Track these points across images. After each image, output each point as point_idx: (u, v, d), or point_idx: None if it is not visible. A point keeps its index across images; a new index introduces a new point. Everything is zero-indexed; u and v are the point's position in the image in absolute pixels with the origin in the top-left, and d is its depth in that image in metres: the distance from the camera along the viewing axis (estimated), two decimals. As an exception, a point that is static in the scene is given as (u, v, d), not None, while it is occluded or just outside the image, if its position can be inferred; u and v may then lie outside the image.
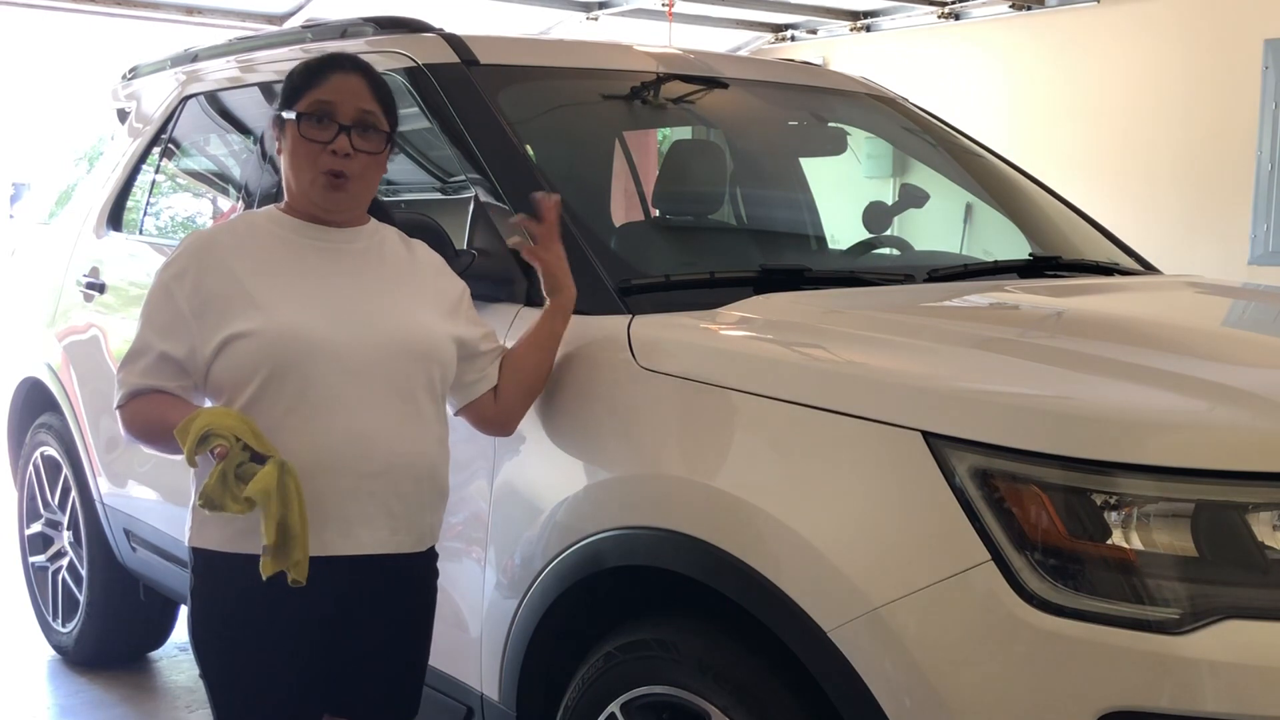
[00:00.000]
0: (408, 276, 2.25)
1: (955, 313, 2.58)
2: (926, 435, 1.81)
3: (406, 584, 2.25)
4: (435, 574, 2.32)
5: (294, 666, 2.18)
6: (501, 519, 2.42)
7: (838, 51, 9.88)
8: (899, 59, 9.37)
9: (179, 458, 2.01)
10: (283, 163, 2.19)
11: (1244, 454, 1.71)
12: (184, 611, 4.24)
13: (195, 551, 2.18)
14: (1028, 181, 3.55)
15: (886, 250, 3.39)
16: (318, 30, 3.54)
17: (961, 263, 3.04)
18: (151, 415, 2.12)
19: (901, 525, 1.81)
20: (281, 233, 2.19)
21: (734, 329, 2.32)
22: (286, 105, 2.16)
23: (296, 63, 2.25)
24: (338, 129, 2.11)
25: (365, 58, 3.15)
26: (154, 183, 4.10)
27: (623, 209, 3.42)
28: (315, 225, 2.20)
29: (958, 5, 8.93)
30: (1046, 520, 1.71)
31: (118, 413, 2.17)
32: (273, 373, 2.07)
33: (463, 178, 2.76)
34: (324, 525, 2.10)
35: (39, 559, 4.44)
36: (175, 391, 2.13)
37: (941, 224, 3.68)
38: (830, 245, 3.57)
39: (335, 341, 2.08)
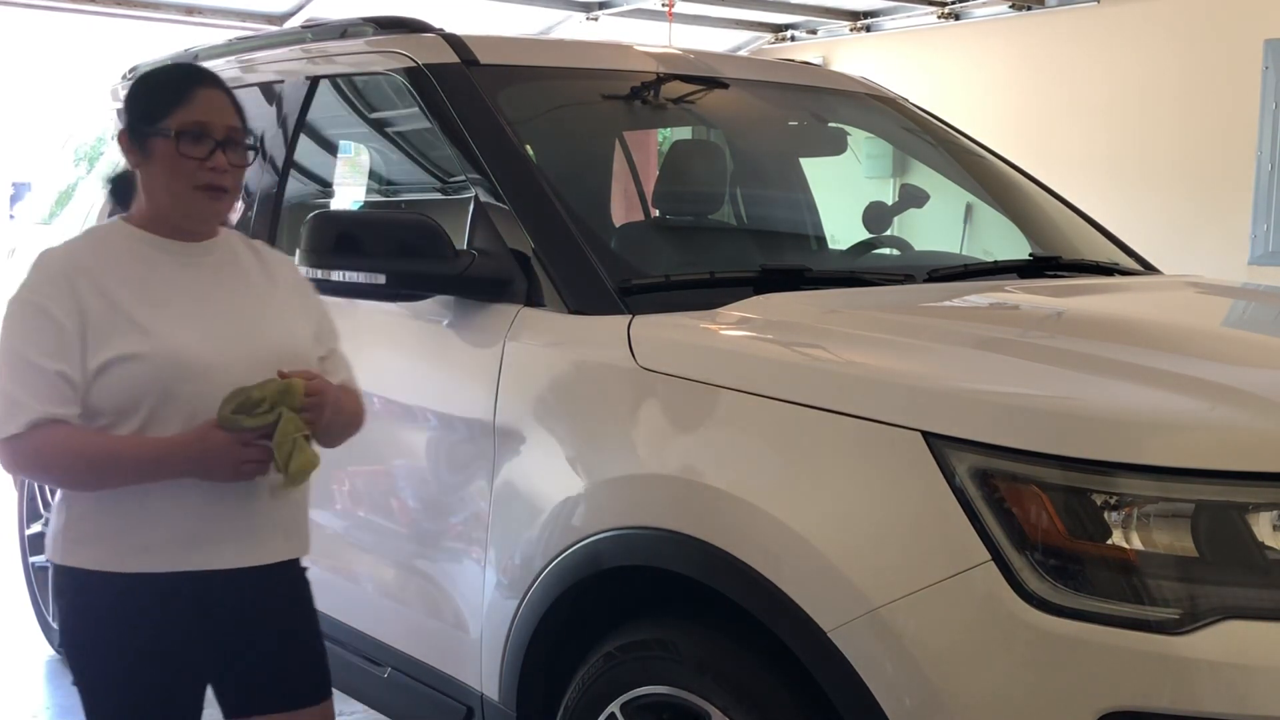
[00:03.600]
0: (267, 283, 2.29)
1: (955, 313, 2.58)
2: (926, 435, 1.81)
3: (289, 584, 2.30)
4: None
5: (190, 678, 2.20)
6: (501, 519, 2.42)
7: (838, 51, 9.88)
8: (899, 59, 9.37)
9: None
10: (144, 176, 2.18)
11: (1244, 454, 1.71)
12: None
13: (69, 571, 2.14)
14: (1028, 181, 3.55)
15: (886, 250, 3.39)
16: (318, 30, 3.54)
17: (961, 263, 3.04)
18: (84, 444, 2.05)
19: (902, 525, 1.81)
20: (143, 250, 2.18)
21: (734, 329, 2.32)
22: (150, 120, 2.14)
23: (140, 74, 2.25)
24: (213, 145, 2.14)
25: (365, 57, 3.18)
26: (154, 183, 4.10)
27: (623, 209, 3.43)
28: (173, 240, 2.20)
29: (958, 5, 8.93)
30: (1046, 520, 1.71)
31: (5, 444, 2.04)
32: (162, 396, 2.07)
33: (463, 178, 2.76)
34: (224, 540, 2.14)
35: (39, 559, 4.44)
36: (76, 422, 2.05)
37: (941, 224, 3.68)
38: (830, 245, 3.57)
39: (220, 361, 2.11)
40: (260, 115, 3.58)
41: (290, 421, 2.03)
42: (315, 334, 2.30)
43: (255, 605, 2.21)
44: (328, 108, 3.43)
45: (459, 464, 2.55)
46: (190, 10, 8.35)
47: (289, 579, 2.29)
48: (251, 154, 2.23)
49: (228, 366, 2.10)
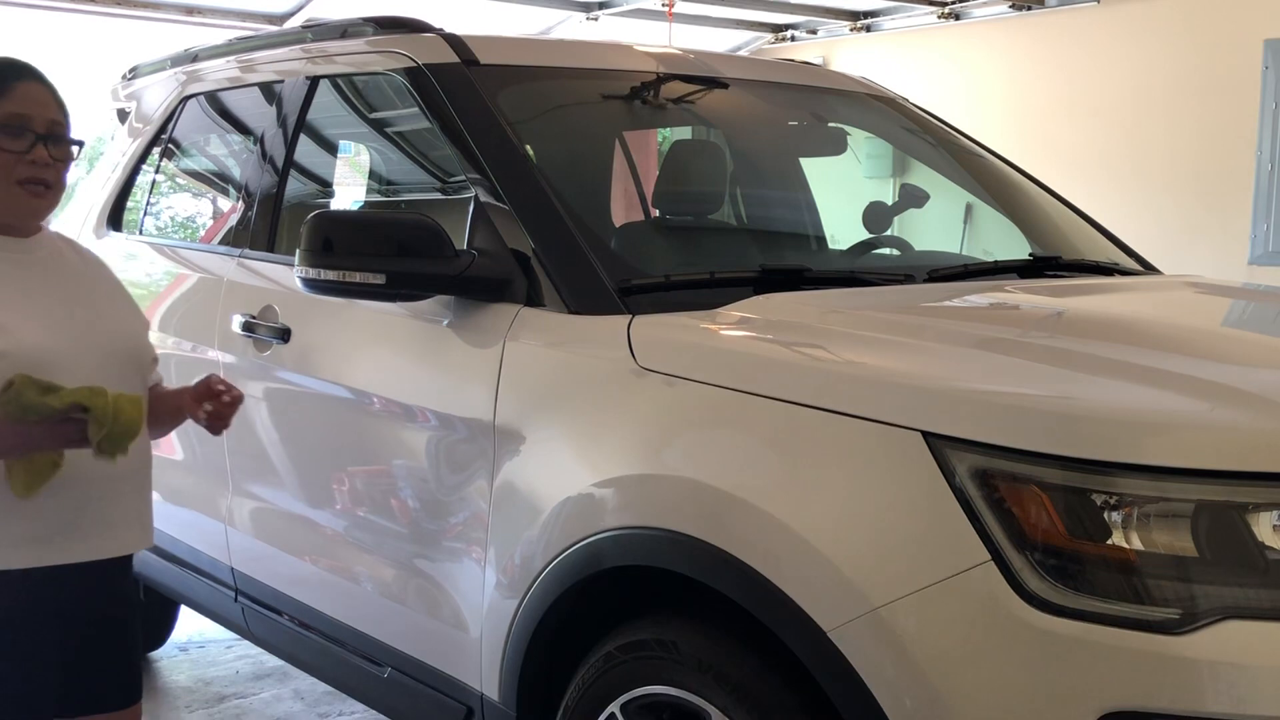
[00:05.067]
0: (96, 279, 2.33)
1: (955, 313, 2.58)
2: (926, 435, 1.81)
3: (128, 579, 2.38)
4: None
5: (46, 679, 2.20)
6: (501, 519, 2.42)
7: (838, 51, 9.89)
8: (899, 59, 9.37)
9: None
10: None
11: (1244, 454, 1.71)
12: (185, 612, 4.25)
13: None
14: (1028, 181, 3.55)
15: (886, 250, 3.39)
16: (318, 30, 3.54)
17: (961, 263, 3.04)
18: None
19: (901, 525, 1.81)
20: None
21: (734, 329, 2.32)
22: None
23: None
24: (34, 139, 2.14)
25: (365, 57, 3.18)
26: (154, 183, 4.10)
27: (623, 209, 3.42)
28: (5, 237, 2.22)
29: (958, 5, 8.94)
30: (1046, 520, 1.71)
31: None
32: None
33: (463, 178, 2.76)
34: (87, 531, 2.18)
35: None
36: None
37: (941, 224, 3.68)
38: (830, 245, 3.57)
39: (71, 355, 2.15)
40: (260, 115, 3.58)
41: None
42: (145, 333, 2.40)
43: (101, 601, 2.27)
44: (328, 108, 3.43)
45: (459, 464, 2.55)
46: (190, 10, 8.36)
47: (127, 574, 2.37)
48: (76, 149, 2.23)
49: (75, 359, 2.15)
